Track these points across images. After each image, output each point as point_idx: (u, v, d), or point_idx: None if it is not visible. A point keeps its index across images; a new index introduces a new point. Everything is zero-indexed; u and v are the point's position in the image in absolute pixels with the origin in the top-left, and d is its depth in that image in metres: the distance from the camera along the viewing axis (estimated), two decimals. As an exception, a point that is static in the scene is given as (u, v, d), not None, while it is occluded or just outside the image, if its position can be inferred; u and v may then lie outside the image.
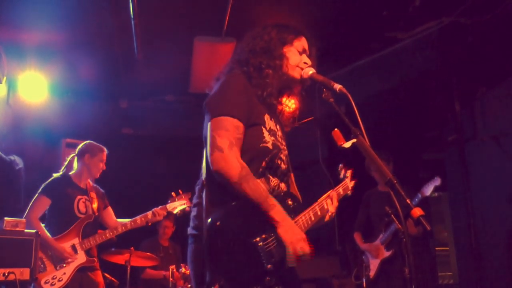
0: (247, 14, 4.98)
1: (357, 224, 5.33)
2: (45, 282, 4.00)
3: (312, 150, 7.05)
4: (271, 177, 2.25)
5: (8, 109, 5.90)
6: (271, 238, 2.08)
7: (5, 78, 5.51)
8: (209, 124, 2.14)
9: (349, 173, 2.81)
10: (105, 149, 4.55)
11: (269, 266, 2.02)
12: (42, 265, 4.03)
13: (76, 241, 4.19)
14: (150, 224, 4.42)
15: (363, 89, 5.92)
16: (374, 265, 4.92)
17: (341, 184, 2.70)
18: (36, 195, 4.26)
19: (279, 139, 2.34)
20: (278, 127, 2.39)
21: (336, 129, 2.22)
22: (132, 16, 4.76)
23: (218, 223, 1.99)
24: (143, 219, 4.35)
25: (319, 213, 2.37)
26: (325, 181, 7.09)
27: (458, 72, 5.38)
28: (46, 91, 6.02)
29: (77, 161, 4.47)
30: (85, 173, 4.44)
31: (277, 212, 2.09)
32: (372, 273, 4.92)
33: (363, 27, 5.32)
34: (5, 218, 3.79)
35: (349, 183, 2.76)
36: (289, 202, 2.26)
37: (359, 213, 5.33)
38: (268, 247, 2.05)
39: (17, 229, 3.80)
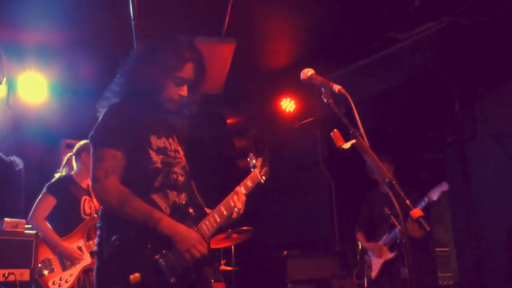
0: (247, 15, 4.99)
1: (360, 224, 5.32)
2: (53, 283, 3.97)
3: (312, 151, 7.06)
4: (168, 191, 2.32)
5: (8, 109, 5.90)
6: (172, 252, 2.17)
7: (5, 78, 5.51)
8: (91, 158, 2.28)
9: (258, 161, 2.77)
10: None
11: (172, 280, 2.12)
12: (50, 266, 4.02)
13: (81, 242, 4.17)
14: None
15: (363, 89, 5.92)
16: (376, 265, 4.92)
17: (248, 176, 2.66)
18: (41, 194, 4.18)
19: (172, 153, 2.40)
20: (170, 141, 2.45)
21: (335, 130, 2.22)
22: (132, 16, 4.76)
23: (116, 248, 2.10)
24: None
25: (225, 213, 2.43)
26: (325, 181, 7.12)
27: (458, 72, 5.38)
28: (46, 92, 6.02)
29: (75, 161, 4.45)
30: (85, 172, 4.41)
31: (165, 224, 2.16)
32: (374, 273, 4.91)
33: (363, 27, 5.32)
34: (5, 219, 3.79)
35: (259, 172, 2.72)
36: (190, 211, 2.34)
37: (362, 213, 5.32)
38: (169, 262, 2.14)
39: (17, 230, 3.80)
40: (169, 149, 2.41)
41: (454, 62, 5.27)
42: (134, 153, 2.27)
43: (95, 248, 2.31)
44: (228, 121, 7.40)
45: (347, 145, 2.13)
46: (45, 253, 4.02)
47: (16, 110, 6.00)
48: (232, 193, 2.52)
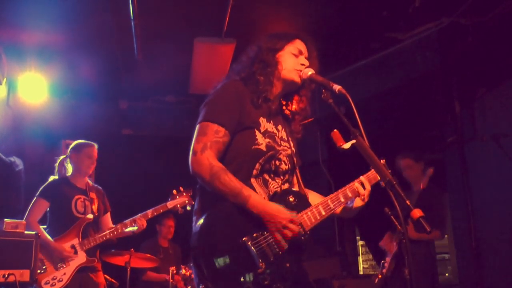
0: (247, 15, 4.99)
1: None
2: (45, 283, 4.00)
3: (312, 151, 7.05)
4: (269, 178, 2.28)
5: (8, 110, 5.90)
6: (263, 236, 2.09)
7: (5, 79, 5.51)
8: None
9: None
10: (94, 144, 4.50)
11: (262, 264, 2.02)
12: (42, 266, 4.03)
13: (75, 241, 4.20)
14: (134, 232, 4.38)
15: (363, 89, 5.92)
16: (388, 262, 4.94)
17: (369, 173, 2.51)
18: (35, 198, 4.28)
19: (278, 140, 2.37)
20: (279, 128, 2.42)
21: (335, 130, 2.22)
22: (132, 16, 4.76)
23: (204, 226, 2.03)
24: (127, 226, 4.32)
25: (331, 206, 2.33)
26: (325, 181, 7.10)
27: (458, 72, 5.38)
28: (46, 92, 6.02)
29: (70, 163, 4.48)
30: (77, 172, 4.43)
31: (254, 202, 2.08)
32: (385, 270, 4.93)
33: (363, 27, 5.32)
34: (5, 219, 3.79)
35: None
36: (290, 199, 2.27)
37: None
38: (259, 245, 2.06)
39: (17, 230, 3.79)
40: (277, 135, 2.37)
41: (454, 62, 5.27)
42: (240, 131, 2.25)
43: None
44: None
45: (347, 145, 2.13)
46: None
47: (16, 110, 5.99)
48: (345, 187, 2.42)
